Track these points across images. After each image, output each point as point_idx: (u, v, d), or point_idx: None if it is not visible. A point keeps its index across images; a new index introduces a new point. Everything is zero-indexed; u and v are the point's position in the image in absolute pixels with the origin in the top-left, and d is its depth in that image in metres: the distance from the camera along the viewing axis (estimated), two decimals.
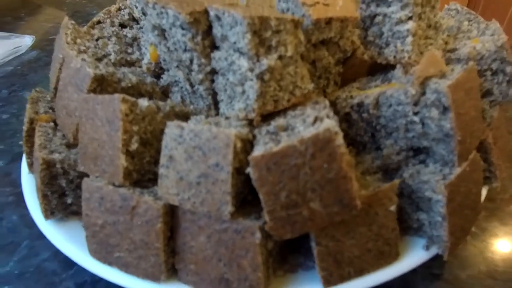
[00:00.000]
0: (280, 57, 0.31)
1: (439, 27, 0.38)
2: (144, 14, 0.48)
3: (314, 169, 0.26)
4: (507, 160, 0.50)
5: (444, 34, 0.42)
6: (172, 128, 0.29)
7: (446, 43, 0.41)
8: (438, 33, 0.39)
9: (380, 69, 0.39)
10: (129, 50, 0.45)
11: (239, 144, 0.27)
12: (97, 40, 0.44)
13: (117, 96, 0.30)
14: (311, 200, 0.26)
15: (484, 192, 0.38)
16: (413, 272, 0.38)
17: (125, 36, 0.47)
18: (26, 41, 0.83)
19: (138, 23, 0.50)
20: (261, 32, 0.29)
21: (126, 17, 0.51)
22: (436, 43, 0.38)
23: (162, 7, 0.33)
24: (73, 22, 0.45)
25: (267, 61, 0.29)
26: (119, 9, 0.52)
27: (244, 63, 0.30)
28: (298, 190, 0.26)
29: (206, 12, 0.32)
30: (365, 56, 0.38)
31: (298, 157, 0.26)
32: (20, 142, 0.42)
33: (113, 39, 0.45)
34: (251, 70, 0.30)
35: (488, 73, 0.36)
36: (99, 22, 0.50)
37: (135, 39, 0.47)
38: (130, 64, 0.43)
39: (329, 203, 0.27)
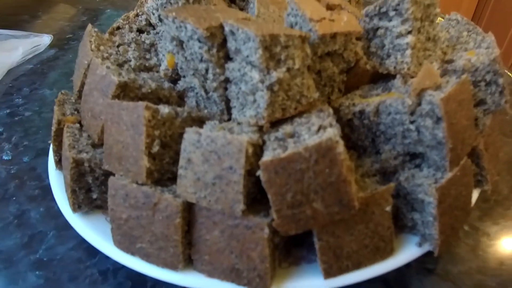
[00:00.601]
0: (288, 70, 0.34)
1: (437, 39, 0.41)
2: (161, 20, 0.51)
3: (317, 173, 0.29)
4: (502, 163, 0.53)
5: (444, 44, 0.45)
6: (190, 134, 0.32)
7: (445, 53, 0.43)
8: (436, 45, 0.41)
9: (382, 78, 0.42)
10: (147, 56, 0.48)
11: (250, 149, 0.30)
12: (118, 46, 0.48)
13: (141, 104, 0.34)
14: (314, 201, 0.30)
15: (476, 194, 0.41)
16: (408, 266, 0.41)
17: (143, 42, 0.50)
18: (44, 40, 0.86)
19: (154, 29, 0.54)
20: (271, 48, 0.32)
21: (144, 22, 0.54)
22: (435, 55, 0.41)
23: (181, 21, 0.36)
24: (96, 29, 0.48)
25: (276, 74, 0.33)
26: (137, 15, 0.55)
27: (255, 75, 0.33)
28: (303, 191, 0.29)
29: (221, 27, 0.35)
30: (367, 66, 0.41)
31: (303, 163, 0.29)
32: (49, 142, 0.46)
33: (133, 45, 0.48)
34: (262, 81, 0.33)
35: (482, 84, 0.39)
36: (118, 28, 0.53)
37: (152, 45, 0.50)
38: (148, 69, 0.47)
39: (330, 204, 0.30)
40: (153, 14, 0.52)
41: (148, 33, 0.53)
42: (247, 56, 0.33)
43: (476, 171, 0.40)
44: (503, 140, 0.58)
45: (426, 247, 0.36)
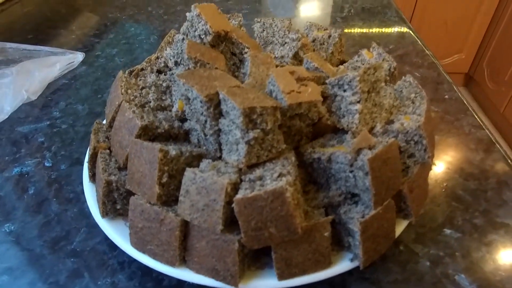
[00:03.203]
0: (263, 130, 0.47)
1: (382, 105, 0.54)
2: (176, 64, 0.64)
3: (272, 209, 0.42)
4: (444, 197, 0.66)
5: (396, 102, 0.57)
6: (189, 172, 0.46)
7: (391, 113, 0.56)
8: (382, 109, 0.54)
9: (340, 130, 0.55)
10: (163, 97, 0.62)
11: (229, 188, 0.44)
12: (141, 89, 0.61)
13: (157, 146, 0.47)
14: (270, 227, 0.43)
15: (404, 223, 0.54)
16: (351, 275, 0.55)
17: (161, 85, 0.63)
18: (78, 57, 1.01)
19: (170, 70, 0.67)
20: (250, 115, 0.46)
21: (162, 64, 0.68)
22: (380, 116, 0.54)
23: (188, 86, 0.50)
24: (125, 75, 0.62)
25: (252, 134, 0.46)
26: (157, 57, 0.69)
27: (238, 133, 0.46)
28: (262, 220, 0.43)
29: (217, 93, 0.49)
30: (328, 122, 0.54)
31: (263, 201, 0.42)
32: (85, 161, 0.60)
33: (153, 88, 0.62)
34: (242, 138, 0.46)
35: (412, 142, 0.52)
36: (142, 69, 0.67)
37: (168, 87, 0.64)
38: (164, 108, 0.60)
39: (281, 230, 0.43)
40: (170, 59, 0.66)
41: (165, 73, 0.67)
42: (233, 118, 0.47)
43: (404, 207, 0.53)
44: (424, 185, 0.70)
45: (356, 263, 0.49)
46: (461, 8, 2.41)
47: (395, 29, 1.20)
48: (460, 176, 0.70)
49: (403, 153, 0.52)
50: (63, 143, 0.77)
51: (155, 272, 0.54)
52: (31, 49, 1.01)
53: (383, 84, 0.53)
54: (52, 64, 0.96)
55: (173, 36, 0.72)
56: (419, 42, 1.14)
